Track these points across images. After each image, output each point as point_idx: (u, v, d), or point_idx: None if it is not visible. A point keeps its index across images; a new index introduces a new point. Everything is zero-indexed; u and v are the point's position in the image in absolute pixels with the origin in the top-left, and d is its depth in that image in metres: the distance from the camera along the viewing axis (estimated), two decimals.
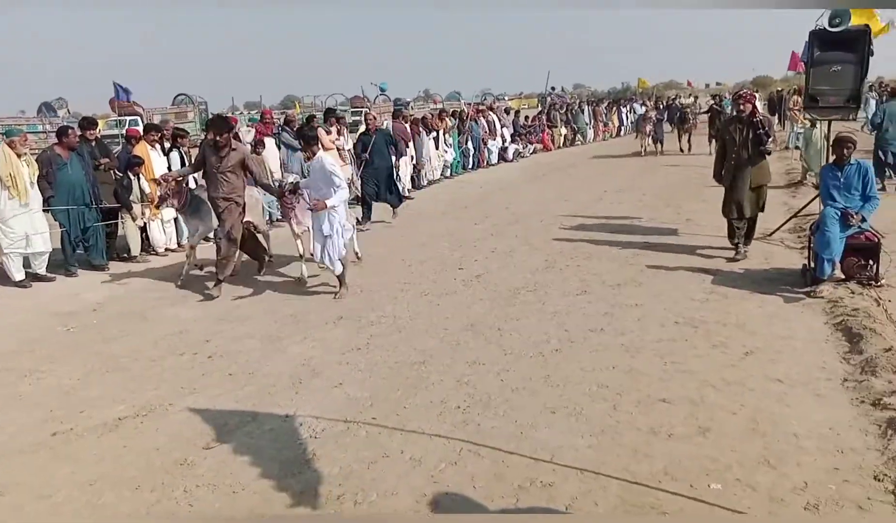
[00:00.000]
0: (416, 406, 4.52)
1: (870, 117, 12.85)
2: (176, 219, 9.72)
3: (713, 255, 8.04)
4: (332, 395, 4.76)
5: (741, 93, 8.68)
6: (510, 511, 3.33)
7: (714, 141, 18.47)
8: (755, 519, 3.18)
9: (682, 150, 20.58)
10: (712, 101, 23.09)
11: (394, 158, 12.00)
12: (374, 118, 11.86)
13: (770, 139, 7.81)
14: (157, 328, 6.40)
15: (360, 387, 4.85)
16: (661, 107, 25.54)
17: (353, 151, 11.84)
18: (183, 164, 9.71)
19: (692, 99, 32.10)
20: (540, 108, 29.26)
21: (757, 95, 15.48)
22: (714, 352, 5.18)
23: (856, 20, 8.10)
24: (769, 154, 7.97)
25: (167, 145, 9.93)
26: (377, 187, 11.07)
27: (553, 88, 34.11)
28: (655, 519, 3.23)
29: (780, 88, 26.67)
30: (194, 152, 10.80)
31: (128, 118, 28.02)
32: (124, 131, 12.51)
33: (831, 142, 7.04)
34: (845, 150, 6.56)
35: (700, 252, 8.27)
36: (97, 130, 9.97)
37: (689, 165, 17.20)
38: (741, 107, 7.84)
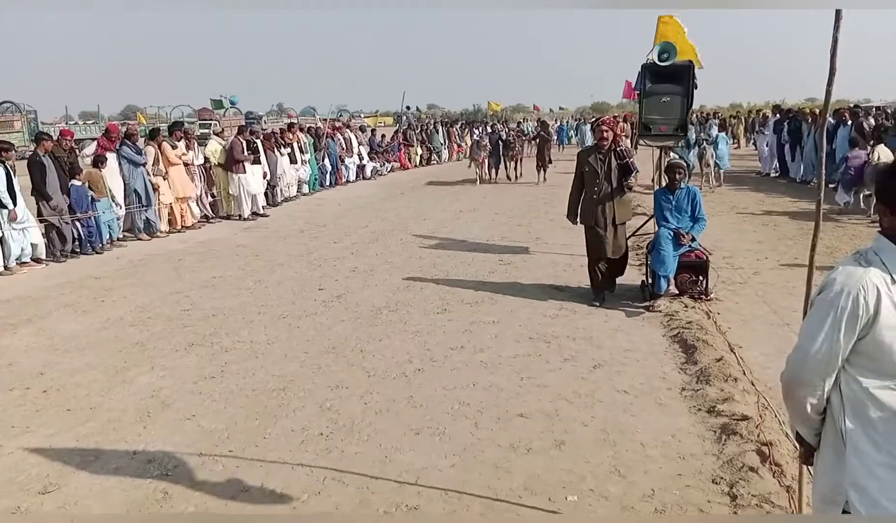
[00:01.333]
0: (276, 435, 4.37)
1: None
2: (1, 240, 8.84)
3: (562, 272, 8.46)
4: (185, 428, 4.50)
5: (603, 119, 7.79)
6: None
7: (543, 170, 18.48)
8: None
9: (508, 178, 19.63)
10: (539, 127, 22.13)
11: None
12: None
13: (634, 172, 6.99)
14: None
15: (215, 418, 4.63)
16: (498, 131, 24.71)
17: None
18: (9, 180, 8.84)
19: (534, 123, 32.89)
20: (397, 127, 29.54)
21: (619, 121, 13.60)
22: (566, 366, 5.44)
23: (681, 56, 8.95)
24: (630, 189, 7.15)
25: None
26: None
27: (409, 107, 34.50)
28: None
29: (616, 115, 28.63)
30: (21, 166, 9.92)
31: None
32: None
33: (664, 169, 7.64)
34: (677, 176, 7.15)
35: (550, 269, 8.68)
36: None
37: (537, 186, 18.03)
38: (603, 134, 6.94)
